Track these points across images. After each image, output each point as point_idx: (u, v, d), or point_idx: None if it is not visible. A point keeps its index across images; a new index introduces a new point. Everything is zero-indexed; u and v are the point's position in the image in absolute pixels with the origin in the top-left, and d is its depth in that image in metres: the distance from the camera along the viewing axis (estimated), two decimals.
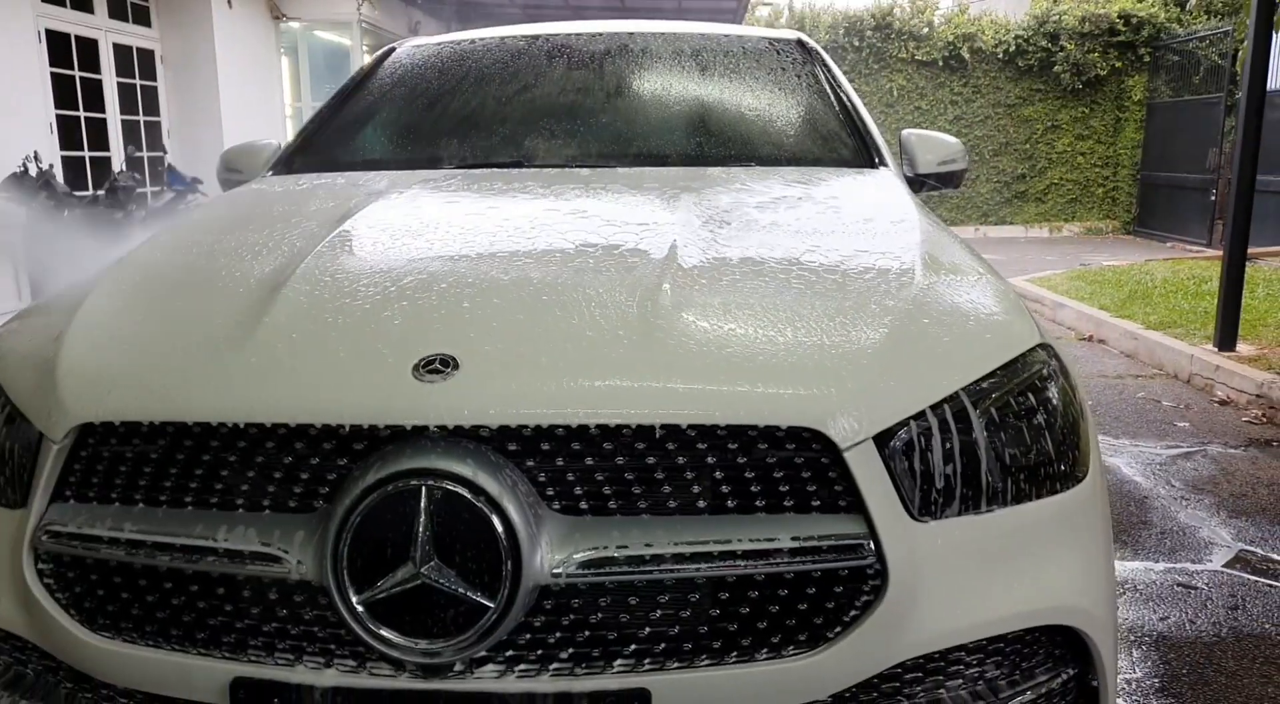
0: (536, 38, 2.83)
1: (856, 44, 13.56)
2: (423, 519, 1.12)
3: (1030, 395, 1.35)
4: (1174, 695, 2.21)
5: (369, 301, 1.37)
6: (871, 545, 1.17)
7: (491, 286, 1.39)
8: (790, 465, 1.19)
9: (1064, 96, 13.58)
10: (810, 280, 1.46)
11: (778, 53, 2.82)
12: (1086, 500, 1.38)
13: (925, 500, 1.24)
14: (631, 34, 2.83)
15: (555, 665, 1.17)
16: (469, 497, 1.11)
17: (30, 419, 1.29)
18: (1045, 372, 1.39)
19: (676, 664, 1.17)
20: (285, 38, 10.46)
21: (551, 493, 1.17)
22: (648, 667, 1.17)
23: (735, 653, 1.18)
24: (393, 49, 2.93)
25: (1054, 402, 1.38)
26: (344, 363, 1.23)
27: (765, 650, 1.18)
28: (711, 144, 2.41)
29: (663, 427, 1.16)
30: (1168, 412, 4.66)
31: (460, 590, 1.12)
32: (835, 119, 2.54)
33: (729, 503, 1.19)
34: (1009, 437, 1.31)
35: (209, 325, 1.35)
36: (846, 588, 1.19)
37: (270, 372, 1.23)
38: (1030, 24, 13.45)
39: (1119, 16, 13.13)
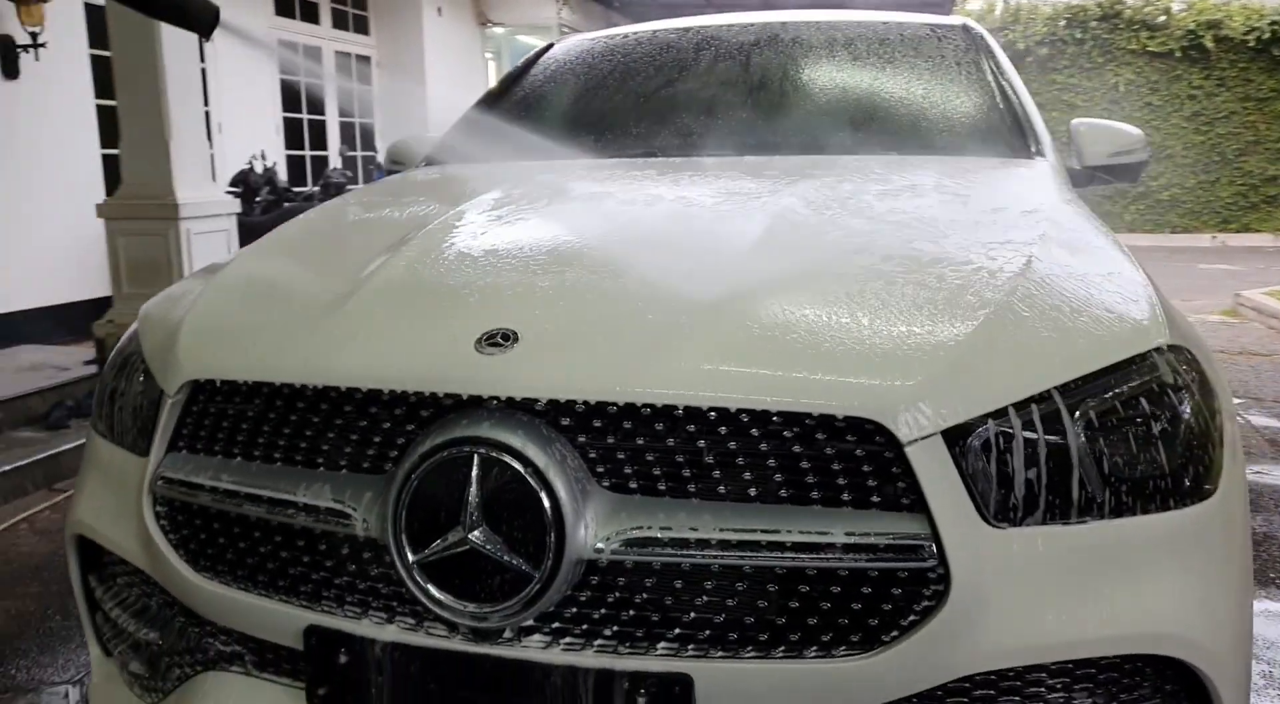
0: (688, 30, 2.83)
1: (1078, 36, 12.71)
2: (474, 486, 1.15)
3: (1146, 400, 1.22)
4: None
5: (452, 278, 1.43)
6: (933, 547, 1.10)
7: (567, 267, 1.42)
8: (849, 458, 1.13)
9: None
10: (906, 269, 1.38)
11: (939, 39, 2.69)
12: (1211, 521, 1.23)
13: (1003, 505, 1.14)
14: (784, 24, 2.78)
15: (599, 642, 1.17)
16: (518, 467, 1.13)
17: (155, 376, 1.43)
18: (1168, 375, 1.25)
19: (721, 653, 1.14)
20: (490, 43, 11.02)
21: (601, 470, 1.17)
22: (691, 652, 1.15)
23: (783, 648, 1.14)
24: (550, 46, 3.02)
25: (1177, 408, 1.23)
26: (416, 334, 1.29)
27: (815, 649, 1.13)
28: (852, 134, 2.32)
29: (713, 410, 1.14)
30: None
31: (505, 558, 1.14)
32: (994, 108, 2.39)
33: (782, 493, 1.14)
34: (1112, 442, 1.19)
35: (311, 296, 1.46)
36: (905, 590, 1.11)
37: (349, 340, 1.31)
38: None
39: None
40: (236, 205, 5.06)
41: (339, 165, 8.39)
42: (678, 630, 1.15)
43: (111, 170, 6.16)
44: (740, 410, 1.14)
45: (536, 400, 1.18)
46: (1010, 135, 2.28)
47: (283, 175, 7.34)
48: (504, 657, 1.18)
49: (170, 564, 1.36)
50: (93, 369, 4.70)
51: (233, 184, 6.45)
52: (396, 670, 1.22)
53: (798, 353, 1.18)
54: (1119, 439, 1.19)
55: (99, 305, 5.69)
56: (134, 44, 4.57)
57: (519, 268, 1.44)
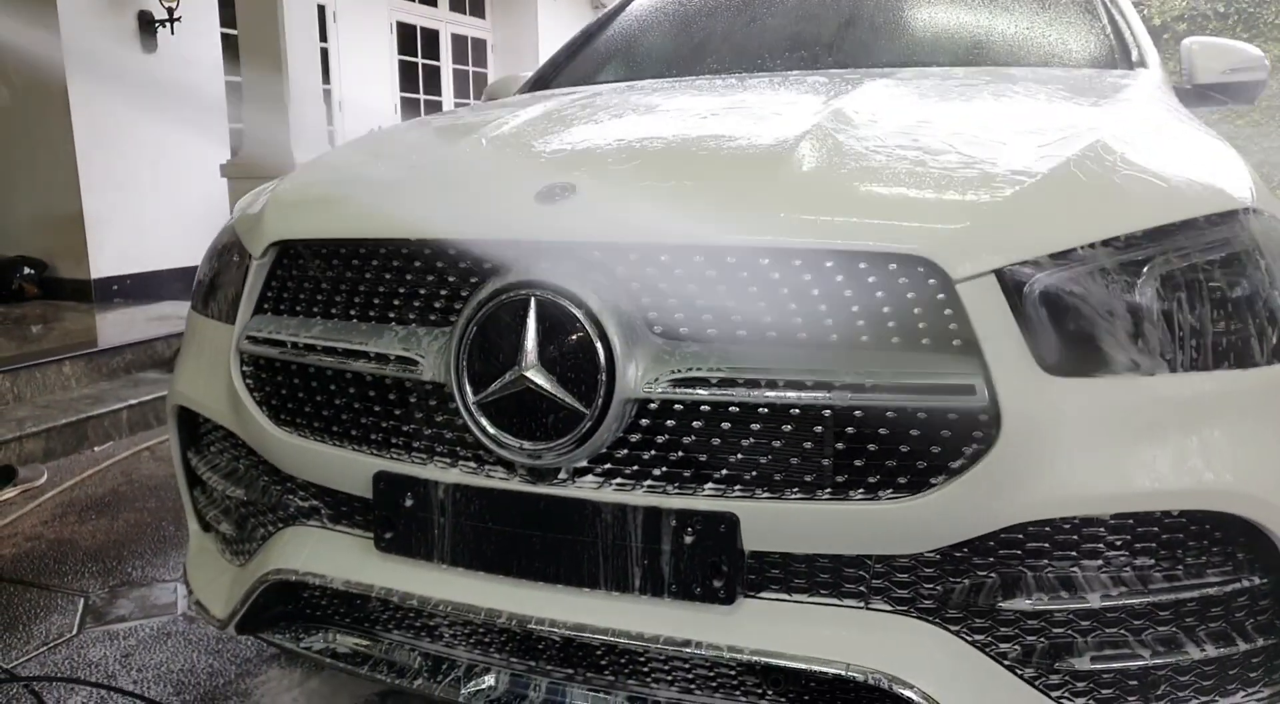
0: None
1: (1221, 10, 12.02)
2: (530, 328, 1.18)
3: (1224, 258, 1.17)
4: None
5: (518, 146, 1.48)
6: (984, 389, 1.08)
7: (627, 134, 1.45)
8: (900, 299, 1.12)
9: None
10: (981, 133, 1.37)
11: None
12: None
13: (1060, 352, 1.11)
14: None
15: (649, 483, 1.19)
16: (571, 309, 1.17)
17: (244, 244, 1.52)
18: (1250, 237, 1.19)
19: (766, 493, 1.15)
20: None
21: (653, 316, 1.19)
22: (738, 493, 1.16)
23: (829, 489, 1.13)
24: None
25: (1257, 270, 1.18)
26: (481, 189, 1.34)
27: (860, 490, 1.12)
28: (940, 47, 2.28)
29: (765, 251, 1.14)
30: None
31: (559, 395, 1.17)
32: (1090, 20, 2.30)
33: (831, 336, 1.14)
34: (1184, 297, 1.14)
35: (391, 167, 1.53)
36: (954, 433, 1.09)
37: (417, 196, 1.37)
38: None
39: None
40: None
41: None
42: (725, 471, 1.16)
43: (238, 144, 6.52)
44: (792, 250, 1.14)
45: (591, 246, 1.20)
46: (1110, 48, 2.20)
47: None
48: (558, 495, 1.22)
49: (255, 419, 1.45)
50: None
51: None
52: (457, 511, 1.27)
53: (850, 196, 1.18)
54: (1193, 294, 1.14)
55: None
56: (260, 19, 4.91)
57: (583, 137, 1.49)
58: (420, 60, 8.74)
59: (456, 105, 9.30)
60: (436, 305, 1.31)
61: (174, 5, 5.78)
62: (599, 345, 1.16)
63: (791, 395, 1.12)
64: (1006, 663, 1.15)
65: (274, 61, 4.90)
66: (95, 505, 3.08)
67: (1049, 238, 1.13)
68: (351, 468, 1.36)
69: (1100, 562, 1.14)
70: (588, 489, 1.21)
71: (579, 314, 1.16)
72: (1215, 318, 1.15)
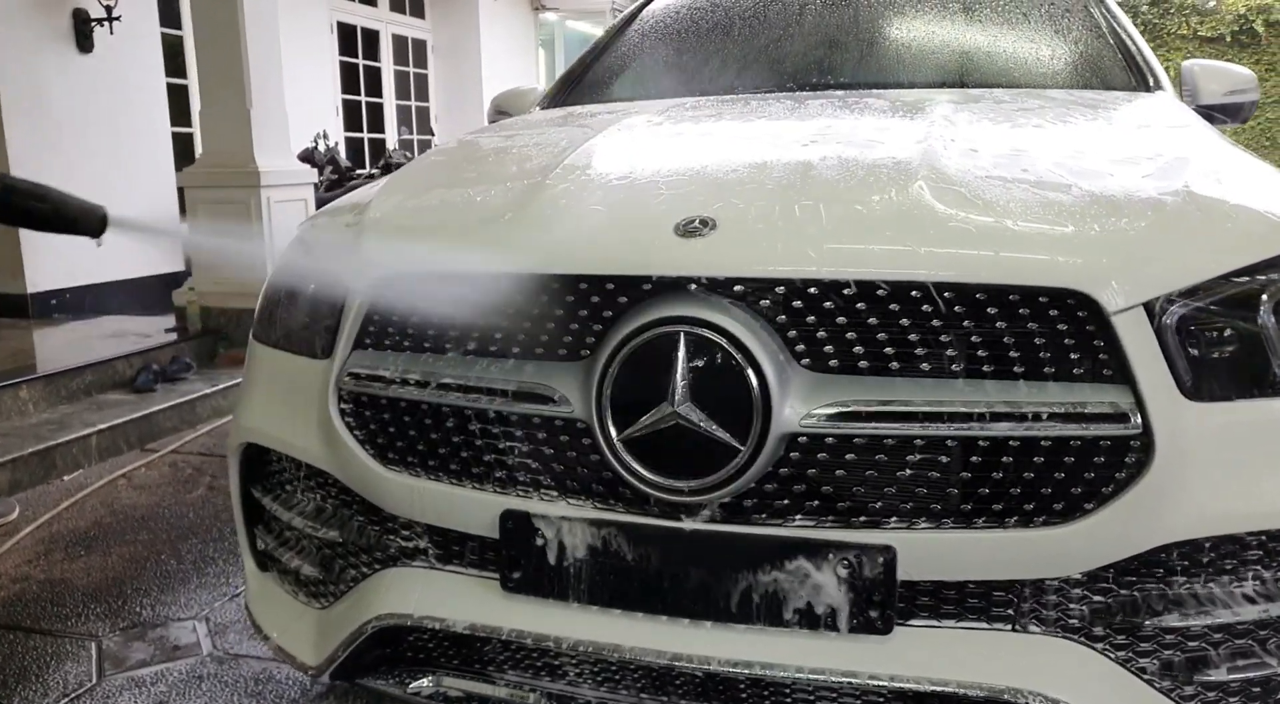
0: None
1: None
2: (680, 364, 1.17)
3: None
4: None
5: (632, 177, 1.46)
6: (1138, 417, 1.12)
7: (750, 162, 1.44)
8: (1053, 332, 1.15)
9: None
10: (1080, 161, 1.41)
11: None
12: None
13: (1199, 378, 1.16)
14: None
15: (800, 517, 1.19)
16: (724, 343, 1.16)
17: (336, 278, 1.46)
18: None
19: (923, 524, 1.17)
20: (543, 29, 11.07)
21: (800, 349, 1.19)
22: (893, 524, 1.17)
23: (984, 518, 1.16)
24: (649, 1, 3.05)
25: None
26: (614, 223, 1.32)
27: (1015, 518, 1.15)
28: (970, 69, 2.34)
29: (915, 286, 1.16)
30: None
31: (713, 432, 1.17)
32: (1107, 45, 2.39)
33: (985, 368, 1.16)
34: None
35: (489, 198, 1.49)
36: (1107, 460, 1.13)
37: (547, 231, 1.33)
38: None
39: None
40: (314, 175, 5.13)
41: (397, 146, 8.48)
42: (880, 503, 1.18)
43: (181, 148, 6.28)
44: (945, 285, 1.15)
45: (739, 282, 1.20)
46: (1130, 71, 2.29)
47: (343, 156, 7.42)
48: (707, 530, 1.21)
49: (358, 459, 1.40)
50: (173, 336, 4.79)
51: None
52: (595, 549, 1.25)
53: (994, 231, 1.20)
54: None
55: (168, 280, 5.80)
56: (216, 14, 4.64)
57: (698, 165, 1.48)
58: (361, 61, 8.55)
59: (398, 108, 9.13)
60: (566, 338, 1.29)
61: (113, 4, 5.53)
62: (753, 379, 1.16)
63: (946, 428, 1.14)
64: (1146, 677, 1.20)
65: (233, 60, 4.66)
66: (81, 540, 2.93)
67: (1185, 269, 1.18)
68: (472, 507, 1.33)
69: (1234, 577, 1.20)
70: (736, 524, 1.21)
71: (731, 348, 1.16)
72: None
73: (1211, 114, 2.44)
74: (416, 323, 1.38)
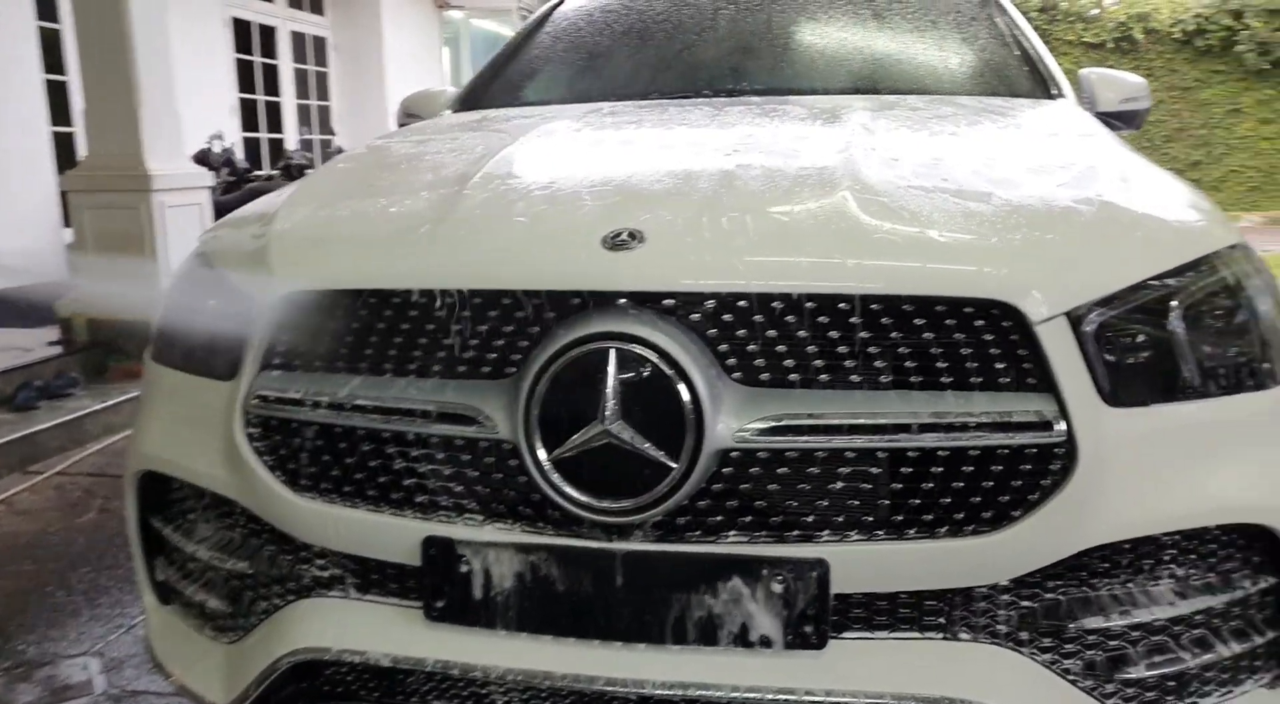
0: None
1: None
2: (611, 380, 1.14)
3: (1227, 290, 1.29)
4: None
5: (556, 187, 1.42)
6: (1062, 424, 1.13)
7: (675, 173, 1.42)
8: (978, 342, 1.16)
9: (1247, 78, 12.68)
10: (996, 170, 1.45)
11: None
12: None
13: (1118, 385, 1.18)
14: None
15: (733, 533, 1.17)
16: (655, 359, 1.13)
17: (241, 295, 1.38)
18: (1242, 268, 1.32)
19: (856, 536, 1.16)
20: (447, 28, 10.88)
21: (731, 363, 1.18)
22: (826, 538, 1.16)
23: (915, 529, 1.16)
24: (560, 2, 3.00)
25: (1256, 298, 1.30)
26: (538, 236, 1.28)
27: (945, 528, 1.15)
28: (881, 75, 2.37)
29: (843, 298, 1.15)
30: None
31: (645, 450, 1.14)
32: (1011, 53, 2.45)
33: (912, 378, 1.16)
34: (1204, 328, 1.25)
35: (404, 210, 1.43)
36: (1033, 468, 1.15)
37: (469, 244, 1.28)
38: (1213, 1, 12.60)
39: None
40: (210, 178, 4.91)
41: (298, 147, 8.21)
42: (811, 517, 1.17)
43: (63, 149, 5.95)
44: (873, 298, 1.15)
45: (668, 295, 1.17)
46: (1033, 78, 2.35)
47: (240, 157, 7.15)
48: (638, 551, 1.18)
49: (266, 486, 1.32)
50: (58, 350, 4.53)
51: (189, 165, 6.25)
52: (523, 575, 1.21)
53: (919, 243, 1.21)
54: (1209, 324, 1.26)
55: (51, 291, 5.48)
56: (99, 7, 4.37)
57: (622, 175, 1.45)
58: (258, 59, 8.25)
59: (298, 107, 8.84)
60: (490, 356, 1.24)
61: None
62: (686, 395, 1.13)
63: (876, 439, 1.13)
64: (1070, 678, 1.22)
65: (119, 54, 4.38)
66: None
67: (1104, 278, 1.21)
68: (392, 534, 1.27)
69: (1151, 577, 1.23)
70: (668, 543, 1.18)
71: (662, 364, 1.13)
72: (1228, 346, 1.27)
73: (1109, 121, 2.53)
74: (329, 342, 1.31)
